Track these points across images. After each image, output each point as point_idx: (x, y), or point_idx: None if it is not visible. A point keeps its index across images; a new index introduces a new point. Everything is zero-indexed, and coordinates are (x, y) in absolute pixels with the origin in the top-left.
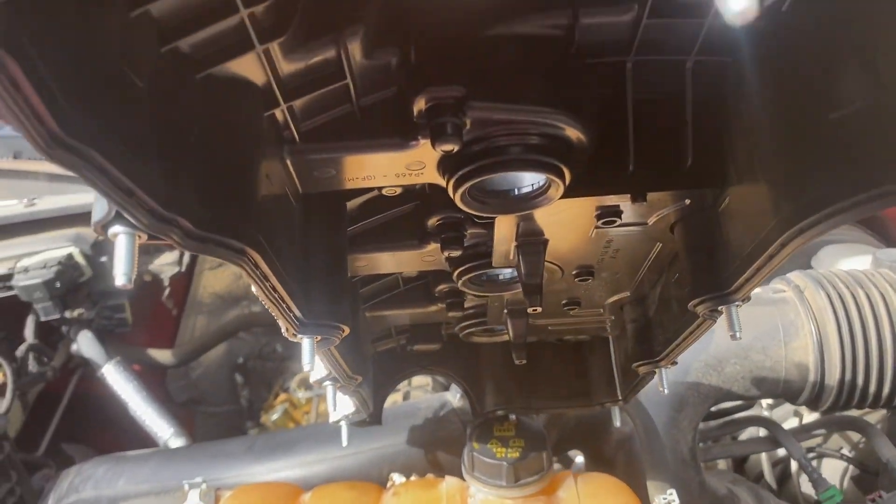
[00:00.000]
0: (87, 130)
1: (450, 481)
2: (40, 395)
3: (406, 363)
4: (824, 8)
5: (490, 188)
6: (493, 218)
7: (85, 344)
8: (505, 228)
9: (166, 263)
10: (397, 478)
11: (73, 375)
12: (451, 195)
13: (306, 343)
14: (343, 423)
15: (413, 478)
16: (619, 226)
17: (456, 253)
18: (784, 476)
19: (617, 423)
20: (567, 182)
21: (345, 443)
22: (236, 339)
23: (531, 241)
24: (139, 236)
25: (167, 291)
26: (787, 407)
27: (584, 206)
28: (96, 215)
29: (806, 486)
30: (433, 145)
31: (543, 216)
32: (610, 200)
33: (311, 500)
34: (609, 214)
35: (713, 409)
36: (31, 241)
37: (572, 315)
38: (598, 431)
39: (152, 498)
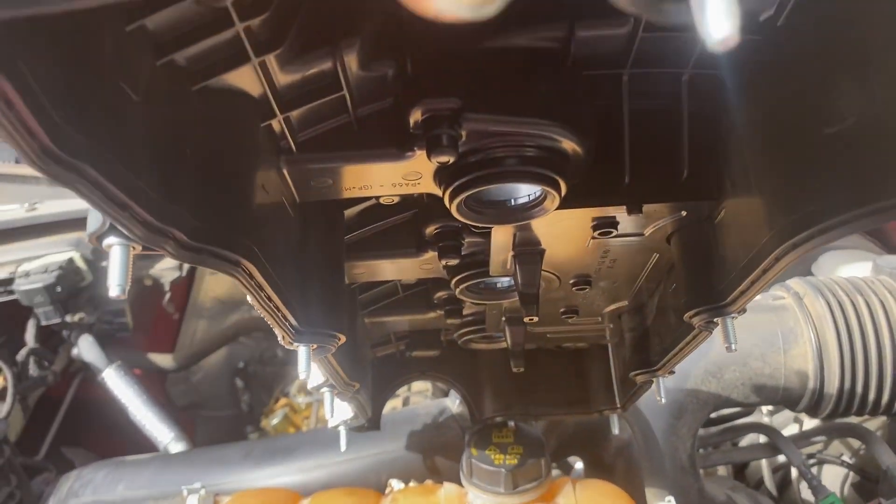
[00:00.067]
0: (80, 145)
1: (448, 488)
2: (41, 400)
3: (405, 369)
4: (819, 23)
5: (486, 198)
6: (491, 227)
7: (86, 348)
8: (502, 238)
9: (167, 268)
10: (396, 484)
11: (74, 379)
12: (448, 205)
13: (302, 351)
14: (341, 429)
15: (412, 484)
16: (615, 236)
17: (453, 261)
18: (784, 482)
19: (615, 430)
20: (563, 193)
21: (343, 448)
22: (237, 343)
23: (528, 251)
24: (133, 247)
25: (168, 296)
26: (788, 413)
27: (581, 217)
28: (91, 226)
29: (806, 493)
30: (429, 157)
31: (540, 226)
32: (606, 212)
33: None
34: (605, 225)
35: (713, 415)
36: (32, 245)
37: (570, 323)
38: (597, 438)
39: (151, 503)
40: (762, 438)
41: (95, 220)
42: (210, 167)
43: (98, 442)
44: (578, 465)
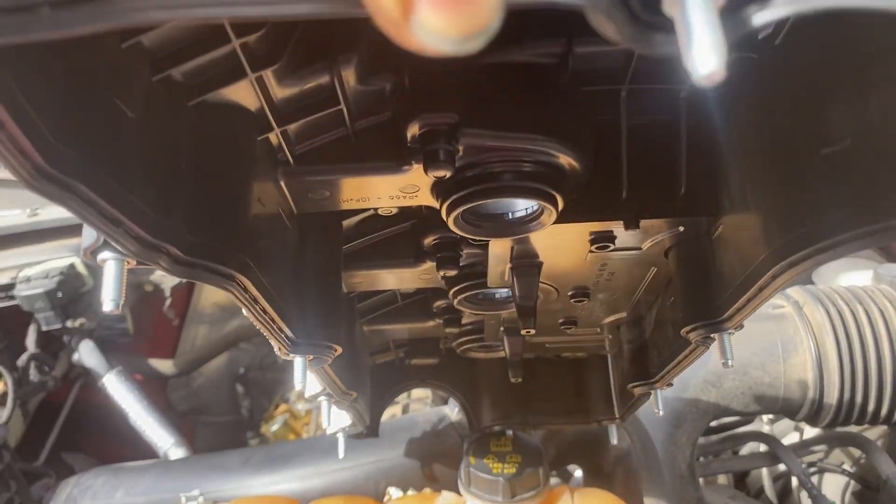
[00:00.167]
0: (73, 162)
1: (446, 496)
2: (41, 405)
3: (404, 376)
4: (817, 43)
5: (484, 212)
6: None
7: (86, 353)
8: (500, 250)
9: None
10: (394, 492)
11: (75, 385)
12: (445, 219)
13: (298, 362)
14: (340, 436)
15: (410, 492)
16: (613, 250)
17: (452, 272)
18: (785, 491)
19: (614, 441)
20: (560, 208)
21: (341, 455)
22: (237, 349)
23: (526, 263)
24: (128, 262)
25: (168, 301)
26: (788, 421)
27: (579, 231)
28: (85, 241)
29: (807, 502)
30: (426, 171)
31: (538, 239)
32: (604, 226)
33: None
34: (603, 239)
35: (713, 423)
36: (33, 251)
37: (569, 334)
38: (596, 447)
39: None
40: (762, 447)
41: (90, 234)
42: (206, 181)
43: (98, 447)
44: (578, 473)
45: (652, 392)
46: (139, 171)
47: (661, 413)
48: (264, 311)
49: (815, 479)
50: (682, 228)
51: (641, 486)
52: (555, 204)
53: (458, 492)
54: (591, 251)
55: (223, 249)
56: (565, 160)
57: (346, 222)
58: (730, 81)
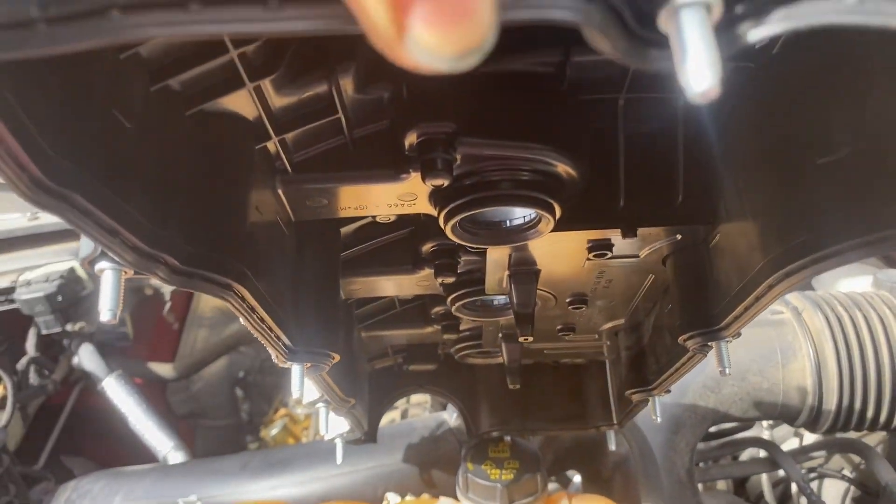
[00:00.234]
0: (70, 174)
1: (444, 502)
2: (41, 408)
3: (402, 382)
4: (814, 54)
5: (482, 220)
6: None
7: (86, 357)
8: (497, 257)
9: None
10: (392, 497)
11: (74, 388)
12: (443, 227)
13: (296, 370)
14: (338, 441)
15: (408, 497)
16: (611, 258)
17: (450, 280)
18: (784, 497)
19: (612, 446)
20: (557, 217)
21: (339, 461)
22: (237, 352)
23: (524, 271)
24: (125, 272)
25: (168, 305)
26: (788, 427)
27: (577, 239)
28: (83, 251)
29: None
30: (423, 180)
31: (536, 246)
32: (601, 234)
33: None
34: (600, 247)
35: (713, 429)
36: (33, 254)
37: (567, 340)
38: (595, 452)
39: None
40: (762, 453)
41: (88, 244)
42: (203, 190)
43: (98, 451)
44: (577, 478)
45: (650, 399)
46: (136, 182)
47: (658, 420)
48: (261, 320)
49: (815, 484)
50: (679, 237)
51: (640, 491)
52: (552, 212)
53: (456, 497)
54: (588, 259)
55: (220, 259)
56: (563, 169)
57: (345, 229)
58: (727, 90)
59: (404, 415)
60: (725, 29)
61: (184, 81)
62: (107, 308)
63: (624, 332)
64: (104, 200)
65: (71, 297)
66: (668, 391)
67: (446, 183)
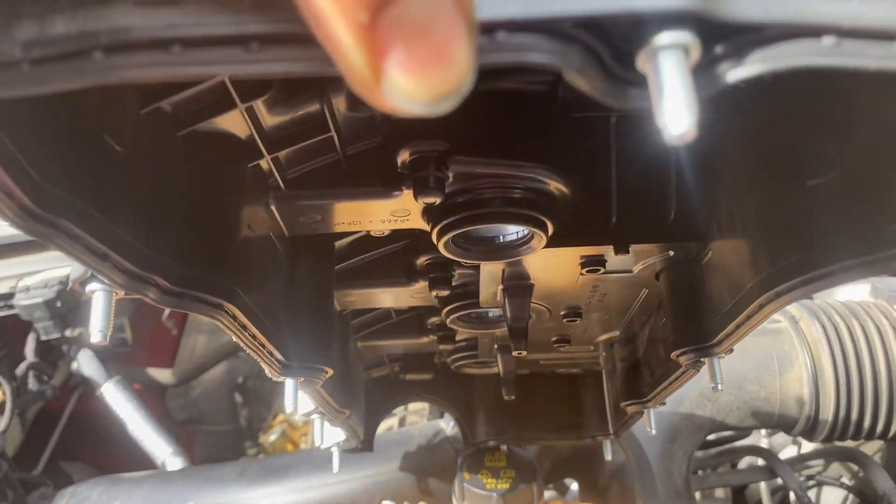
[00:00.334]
0: (59, 201)
1: None
2: (39, 414)
3: (399, 391)
4: (800, 77)
5: (474, 236)
6: None
7: (85, 363)
8: (491, 271)
9: None
10: None
11: (73, 394)
12: (436, 243)
13: (289, 384)
14: (334, 450)
15: None
16: (604, 273)
17: (444, 292)
18: None
19: (608, 456)
20: (550, 233)
21: (336, 469)
22: (236, 358)
23: (517, 285)
24: (116, 293)
25: (167, 311)
26: (786, 435)
27: (570, 254)
28: (75, 273)
29: None
30: (415, 197)
31: (530, 261)
32: (594, 250)
33: None
34: (594, 263)
35: (711, 437)
36: (32, 260)
37: (563, 351)
38: (592, 461)
39: None
40: (760, 461)
41: (79, 266)
42: (195, 210)
43: (96, 457)
44: (574, 486)
45: (645, 410)
46: (127, 204)
47: (653, 432)
48: (253, 337)
49: (813, 492)
50: (672, 253)
51: (636, 500)
52: (544, 230)
53: None
54: (582, 273)
55: (211, 278)
56: (555, 186)
57: (339, 242)
58: (718, 110)
59: (402, 422)
60: (704, 70)
61: (175, 103)
62: (97, 329)
63: (619, 344)
64: (94, 225)
65: (70, 303)
66: (663, 403)
67: (438, 201)
